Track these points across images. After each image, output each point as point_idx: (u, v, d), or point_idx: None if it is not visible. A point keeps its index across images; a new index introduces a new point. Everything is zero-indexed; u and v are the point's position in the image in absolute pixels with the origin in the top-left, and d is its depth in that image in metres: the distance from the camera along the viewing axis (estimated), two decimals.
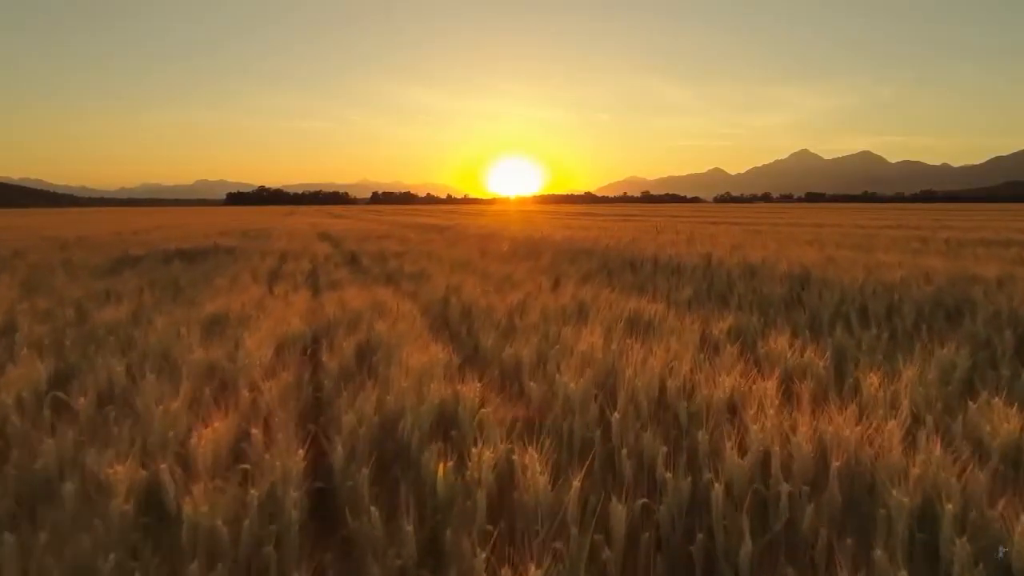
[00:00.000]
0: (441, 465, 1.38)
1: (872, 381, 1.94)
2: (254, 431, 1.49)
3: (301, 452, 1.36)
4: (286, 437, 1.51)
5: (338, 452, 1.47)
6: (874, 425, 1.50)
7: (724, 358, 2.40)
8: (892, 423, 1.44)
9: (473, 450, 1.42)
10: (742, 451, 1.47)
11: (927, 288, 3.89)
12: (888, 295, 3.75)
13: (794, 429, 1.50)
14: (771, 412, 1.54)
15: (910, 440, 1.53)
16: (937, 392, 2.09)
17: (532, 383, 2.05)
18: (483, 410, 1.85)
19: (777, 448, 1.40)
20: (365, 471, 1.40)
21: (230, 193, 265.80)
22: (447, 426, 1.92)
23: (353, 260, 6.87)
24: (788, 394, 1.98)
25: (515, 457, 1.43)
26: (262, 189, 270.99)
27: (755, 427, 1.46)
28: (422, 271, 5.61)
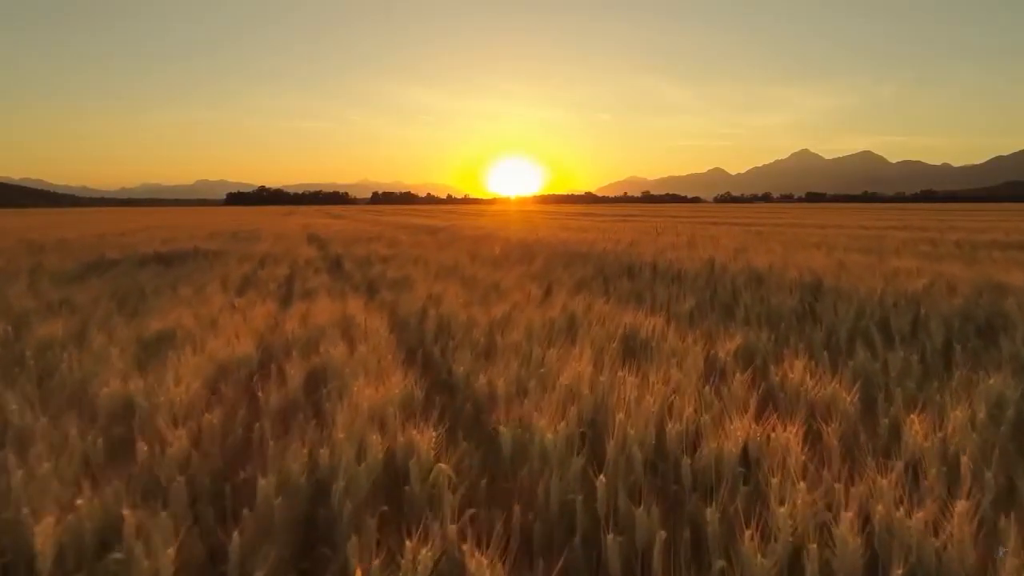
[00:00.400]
0: (359, 570, 1.03)
1: (916, 429, 1.59)
2: (126, 511, 1.14)
3: (171, 552, 1.01)
4: (175, 514, 1.17)
5: (234, 541, 1.12)
6: (935, 504, 1.15)
7: (734, 389, 2.06)
8: (961, 503, 1.09)
9: (408, 543, 1.07)
10: (764, 538, 1.12)
11: (953, 300, 3.54)
12: (911, 307, 3.40)
13: (830, 507, 1.15)
14: (801, 485, 1.18)
15: (976, 515, 1.18)
16: (991, 436, 1.74)
17: (503, 428, 1.70)
18: (439, 465, 1.51)
19: (814, 545, 1.05)
20: None
21: (230, 193, 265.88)
22: (401, 481, 1.58)
23: (336, 265, 6.52)
24: (813, 441, 1.63)
25: (465, 546, 1.08)
26: (262, 189, 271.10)
27: (782, 510, 1.11)
28: (405, 278, 5.26)
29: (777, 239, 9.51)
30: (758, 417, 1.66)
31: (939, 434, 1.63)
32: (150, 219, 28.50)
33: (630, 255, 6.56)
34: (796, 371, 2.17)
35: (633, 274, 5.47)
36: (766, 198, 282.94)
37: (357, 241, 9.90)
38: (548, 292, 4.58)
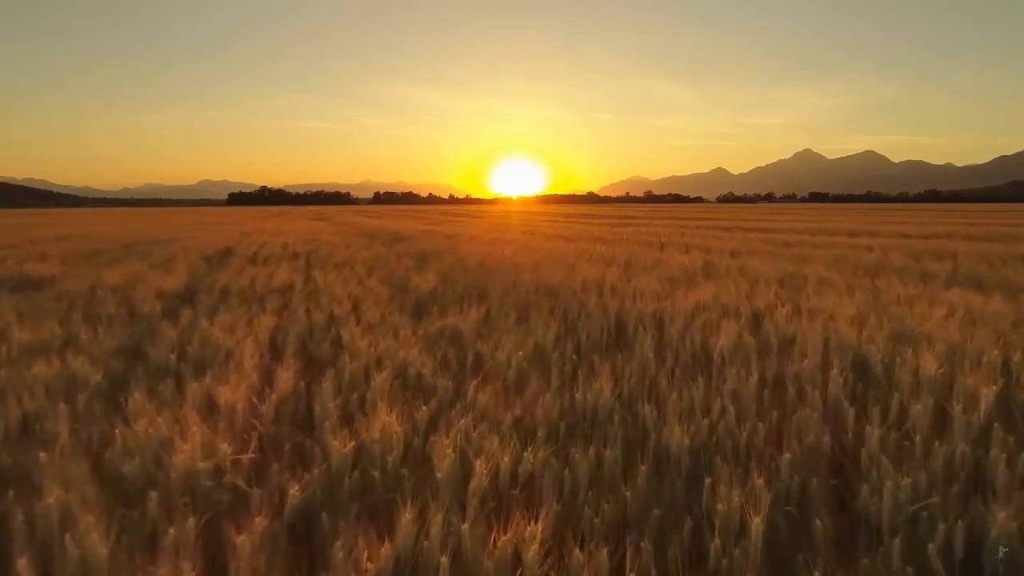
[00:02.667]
0: None
1: None
2: None
3: None
4: None
5: None
6: None
7: None
8: None
9: None
10: None
11: None
12: None
13: None
14: None
15: None
16: None
17: None
18: None
19: None
20: None
21: (232, 193, 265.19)
22: None
23: (167, 315, 4.27)
24: None
25: None
26: (264, 189, 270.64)
27: None
28: (229, 352, 3.05)
29: (820, 259, 7.25)
30: None
31: None
32: (105, 224, 26.35)
33: (622, 294, 4.33)
34: None
35: (623, 339, 3.24)
36: (769, 198, 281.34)
37: (275, 259, 7.68)
38: (457, 392, 2.37)
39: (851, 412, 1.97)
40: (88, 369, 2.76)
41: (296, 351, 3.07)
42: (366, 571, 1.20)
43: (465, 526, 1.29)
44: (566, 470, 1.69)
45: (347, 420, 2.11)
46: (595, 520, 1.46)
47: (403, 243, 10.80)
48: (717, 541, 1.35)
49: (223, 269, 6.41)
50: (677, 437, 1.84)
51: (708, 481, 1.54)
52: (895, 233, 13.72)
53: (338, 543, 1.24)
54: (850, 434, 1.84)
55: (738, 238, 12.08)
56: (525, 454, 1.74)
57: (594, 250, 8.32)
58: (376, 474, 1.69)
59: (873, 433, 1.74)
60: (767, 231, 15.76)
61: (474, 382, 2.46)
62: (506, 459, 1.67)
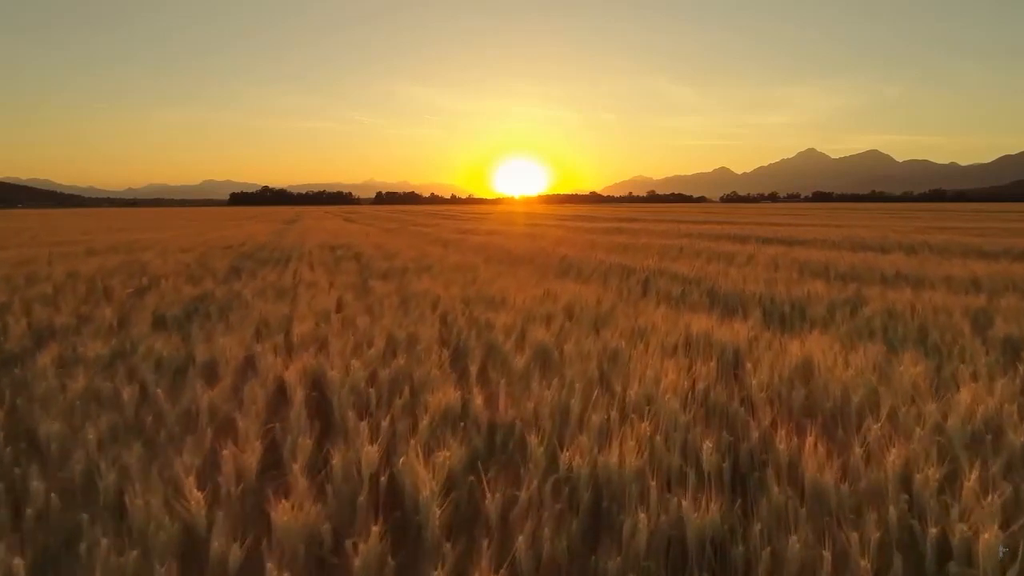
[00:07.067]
0: None
1: None
2: None
3: None
4: None
5: None
6: None
7: None
8: None
9: None
10: None
11: None
12: None
13: None
14: None
15: None
16: None
17: None
18: None
19: None
20: None
21: (233, 193, 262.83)
22: None
23: None
24: None
25: None
26: (266, 189, 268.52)
27: None
28: None
29: (949, 332, 3.68)
30: None
31: None
32: (26, 228, 23.00)
33: None
34: None
35: None
36: (773, 197, 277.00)
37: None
38: None
39: None
40: None
41: None
42: None
43: None
44: None
45: None
46: None
47: (248, 266, 7.30)
48: None
49: None
50: None
51: None
52: (969, 248, 10.10)
53: None
54: None
55: (761, 259, 8.52)
56: None
57: (516, 301, 4.77)
58: None
59: None
60: (790, 243, 12.18)
61: None
62: None
